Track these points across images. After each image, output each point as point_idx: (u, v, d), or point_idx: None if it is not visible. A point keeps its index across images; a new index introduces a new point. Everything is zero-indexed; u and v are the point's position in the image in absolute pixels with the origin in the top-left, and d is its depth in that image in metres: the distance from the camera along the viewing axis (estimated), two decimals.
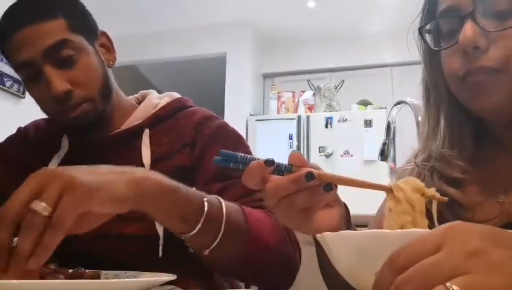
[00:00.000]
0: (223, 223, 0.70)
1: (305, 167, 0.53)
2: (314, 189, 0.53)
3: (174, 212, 0.66)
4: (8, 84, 3.33)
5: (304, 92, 4.61)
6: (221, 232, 0.69)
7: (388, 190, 0.52)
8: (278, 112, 4.59)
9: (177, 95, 1.05)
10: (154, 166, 0.89)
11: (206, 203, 0.68)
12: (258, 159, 0.54)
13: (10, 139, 1.05)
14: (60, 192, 0.53)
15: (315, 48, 4.89)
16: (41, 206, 0.51)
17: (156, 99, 1.02)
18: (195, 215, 0.67)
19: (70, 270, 0.63)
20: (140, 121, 0.96)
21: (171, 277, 0.59)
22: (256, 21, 4.70)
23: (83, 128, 0.94)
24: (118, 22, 4.66)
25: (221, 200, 0.73)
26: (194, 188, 0.71)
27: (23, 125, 1.08)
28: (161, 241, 0.84)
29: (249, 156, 0.55)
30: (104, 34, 1.01)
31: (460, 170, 0.68)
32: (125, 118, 0.98)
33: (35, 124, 1.07)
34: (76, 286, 0.52)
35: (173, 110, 0.99)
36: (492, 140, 0.70)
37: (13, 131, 1.08)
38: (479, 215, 0.66)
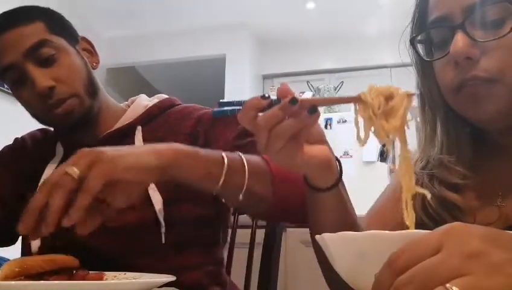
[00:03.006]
0: (246, 167, 0.73)
1: (291, 95, 0.56)
2: (300, 114, 0.56)
3: (198, 170, 0.69)
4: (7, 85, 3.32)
5: (303, 93, 4.60)
6: (246, 177, 0.73)
7: (357, 100, 0.54)
8: None
9: (166, 97, 1.07)
10: None
11: (224, 156, 0.71)
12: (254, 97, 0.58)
13: (8, 148, 1.07)
14: (90, 163, 0.59)
15: (314, 49, 4.88)
16: (73, 170, 0.58)
17: (145, 101, 1.04)
18: (218, 168, 0.70)
19: (74, 271, 0.63)
20: (131, 120, 0.98)
21: (170, 278, 0.59)
22: (255, 22, 4.70)
23: (72, 128, 0.95)
24: (117, 23, 4.66)
25: (238, 152, 0.76)
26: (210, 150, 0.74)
27: (20, 132, 1.10)
28: (163, 230, 0.86)
29: (243, 99, 0.58)
30: (85, 38, 1.03)
31: (460, 176, 0.68)
32: (115, 120, 0.99)
33: (32, 135, 1.09)
34: (76, 287, 0.52)
35: (164, 107, 1.01)
36: (489, 145, 0.70)
37: (12, 132, 1.09)
38: (479, 219, 0.66)
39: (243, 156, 0.75)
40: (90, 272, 0.64)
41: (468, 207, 0.67)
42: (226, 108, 0.58)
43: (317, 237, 0.48)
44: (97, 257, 0.73)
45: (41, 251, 0.89)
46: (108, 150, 0.62)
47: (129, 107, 1.07)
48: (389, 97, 0.53)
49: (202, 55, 4.83)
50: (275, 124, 0.55)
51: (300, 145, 0.59)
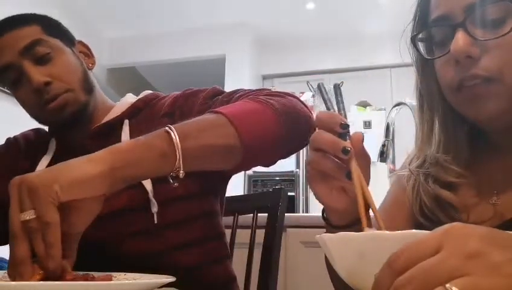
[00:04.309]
0: (196, 127, 0.71)
1: (356, 147, 0.57)
2: (341, 164, 0.57)
3: (148, 158, 0.65)
4: None
5: (303, 93, 4.60)
6: (202, 137, 0.70)
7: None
8: None
9: (151, 92, 1.10)
10: None
11: (168, 129, 0.68)
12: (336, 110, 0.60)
13: (0, 147, 1.08)
14: (30, 195, 0.56)
15: (314, 49, 4.89)
16: (29, 214, 0.56)
17: (131, 98, 1.07)
18: (168, 145, 0.66)
19: (81, 274, 0.63)
20: (119, 114, 1.00)
21: (170, 278, 0.59)
22: (255, 22, 4.70)
23: (66, 124, 0.96)
24: (117, 24, 4.67)
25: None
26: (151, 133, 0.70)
27: (20, 132, 1.11)
28: (154, 209, 0.87)
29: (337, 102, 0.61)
30: (81, 42, 1.06)
31: (455, 175, 0.68)
32: (105, 115, 1.02)
33: (25, 135, 1.11)
34: (75, 287, 0.52)
35: (148, 100, 1.03)
36: (487, 144, 0.70)
37: (12, 132, 1.09)
38: (473, 217, 0.66)
39: (188, 122, 0.72)
40: (94, 273, 0.64)
41: (463, 205, 0.67)
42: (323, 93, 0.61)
43: (317, 237, 0.48)
44: (92, 245, 0.74)
45: None
46: (36, 174, 0.59)
47: None
48: None
49: (202, 56, 4.83)
50: (318, 149, 0.57)
51: (336, 185, 0.59)
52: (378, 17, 4.35)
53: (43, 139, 1.05)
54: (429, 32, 0.69)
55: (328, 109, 0.60)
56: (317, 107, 4.39)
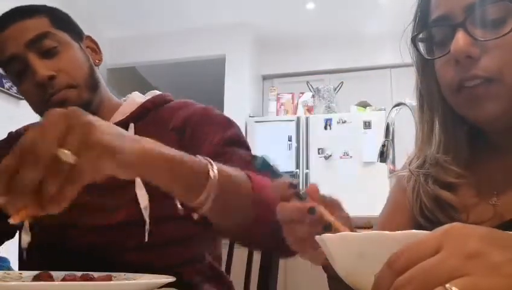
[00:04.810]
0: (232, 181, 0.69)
1: (316, 201, 0.55)
2: (315, 224, 0.54)
3: (180, 183, 0.62)
4: (7, 85, 3.32)
5: (303, 93, 4.61)
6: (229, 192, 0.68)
7: None
8: (277, 114, 4.60)
9: (159, 93, 1.07)
10: None
11: (211, 167, 0.65)
12: (285, 178, 0.57)
13: (1, 142, 1.06)
14: (81, 144, 0.50)
15: (314, 49, 4.89)
16: (68, 156, 0.49)
17: (138, 98, 1.04)
18: (201, 180, 0.64)
19: (80, 274, 0.63)
20: (124, 117, 0.97)
21: (170, 279, 0.59)
22: (255, 23, 4.70)
23: None
24: (117, 24, 4.67)
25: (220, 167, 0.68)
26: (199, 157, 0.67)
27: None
28: (147, 227, 0.85)
29: (282, 172, 0.58)
30: (89, 37, 1.04)
31: (455, 175, 0.68)
32: (111, 116, 0.99)
33: (27, 129, 1.07)
34: (74, 287, 0.52)
35: (156, 104, 1.01)
36: (487, 144, 0.70)
37: None
38: (473, 218, 0.66)
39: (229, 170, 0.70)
40: (94, 273, 0.64)
41: (463, 205, 0.67)
42: (266, 165, 0.59)
43: (316, 237, 0.48)
44: (88, 256, 0.73)
45: (31, 246, 0.89)
46: (100, 134, 0.52)
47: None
48: None
49: (202, 56, 4.83)
50: (289, 221, 0.55)
51: (313, 246, 0.55)
52: (378, 17, 4.35)
53: None
54: (429, 32, 0.69)
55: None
56: (316, 108, 4.39)
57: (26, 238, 0.89)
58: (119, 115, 0.98)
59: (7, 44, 0.91)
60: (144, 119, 0.98)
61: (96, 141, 0.51)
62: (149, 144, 0.60)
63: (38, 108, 0.95)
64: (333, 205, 0.57)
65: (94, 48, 1.03)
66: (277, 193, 0.56)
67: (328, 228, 0.54)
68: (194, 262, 0.93)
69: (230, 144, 0.91)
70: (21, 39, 0.90)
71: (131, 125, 0.96)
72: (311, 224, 0.55)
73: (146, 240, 0.84)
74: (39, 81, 0.89)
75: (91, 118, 0.53)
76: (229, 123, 0.97)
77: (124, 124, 0.96)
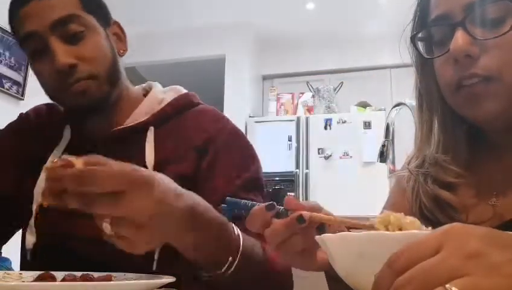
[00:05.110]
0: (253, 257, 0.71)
1: (299, 210, 0.53)
2: (308, 231, 0.54)
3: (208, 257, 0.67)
4: (7, 85, 3.32)
5: (302, 93, 4.61)
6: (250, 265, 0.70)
7: (369, 228, 0.51)
8: (277, 114, 4.60)
9: (183, 90, 1.01)
10: (156, 169, 0.84)
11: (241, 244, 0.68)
12: (259, 204, 0.56)
13: (11, 128, 1.01)
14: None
15: (314, 49, 4.89)
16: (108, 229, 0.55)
17: (160, 94, 0.97)
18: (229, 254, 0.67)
19: (80, 274, 0.63)
20: (145, 119, 0.91)
21: (170, 279, 0.59)
22: (255, 23, 4.70)
23: (86, 112, 0.89)
24: None
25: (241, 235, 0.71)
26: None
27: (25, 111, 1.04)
28: (156, 256, 0.80)
29: (251, 202, 0.57)
30: (117, 23, 0.97)
31: (454, 175, 0.68)
32: (130, 111, 0.93)
33: (37, 110, 1.02)
34: (74, 287, 0.52)
35: (180, 107, 0.94)
36: (486, 144, 0.70)
37: None
38: (472, 218, 0.66)
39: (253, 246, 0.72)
40: (94, 273, 0.64)
41: (462, 205, 0.67)
42: (232, 211, 0.58)
43: (316, 237, 0.48)
44: (92, 262, 0.72)
45: (36, 247, 0.86)
46: (162, 185, 0.56)
47: (146, 92, 1.00)
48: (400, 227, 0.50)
49: (202, 56, 4.83)
50: (281, 241, 0.54)
51: (312, 253, 0.56)
52: (378, 17, 4.35)
53: (57, 119, 0.96)
54: (429, 31, 0.69)
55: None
56: (316, 108, 4.39)
57: (32, 239, 0.86)
58: (139, 115, 0.92)
59: (29, 21, 0.83)
60: (164, 126, 0.91)
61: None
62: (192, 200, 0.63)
63: (52, 93, 0.88)
64: (314, 208, 0.55)
65: (120, 36, 0.96)
66: (258, 224, 0.55)
67: (322, 227, 0.54)
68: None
69: (249, 188, 0.87)
70: (45, 18, 0.82)
71: (151, 129, 0.90)
72: (304, 233, 0.54)
73: (154, 269, 0.80)
74: (59, 69, 0.82)
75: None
76: (253, 159, 0.93)
77: (143, 126, 0.90)
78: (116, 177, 0.51)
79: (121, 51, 0.94)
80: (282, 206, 0.55)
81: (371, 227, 0.50)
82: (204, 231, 0.63)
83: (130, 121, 0.91)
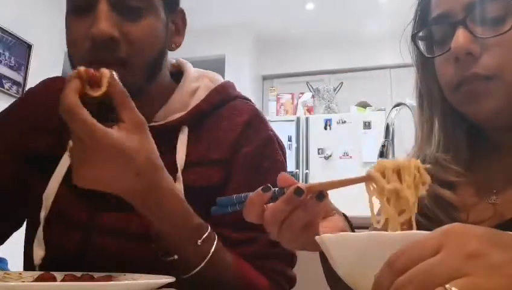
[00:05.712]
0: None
1: (294, 184, 0.53)
2: (308, 203, 0.53)
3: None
4: (6, 86, 3.32)
5: (302, 93, 4.61)
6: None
7: (367, 179, 0.51)
8: (277, 114, 4.60)
9: (217, 78, 0.92)
10: (186, 169, 0.78)
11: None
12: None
13: (16, 107, 0.93)
14: None
15: (314, 49, 4.89)
16: None
17: (193, 82, 0.87)
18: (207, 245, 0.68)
19: (80, 274, 0.63)
20: (178, 116, 0.81)
21: (170, 279, 0.59)
22: (255, 23, 4.71)
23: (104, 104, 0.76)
24: None
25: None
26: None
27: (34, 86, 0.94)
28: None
29: (243, 194, 0.55)
30: (182, 12, 0.87)
31: (455, 174, 0.68)
32: (160, 102, 0.82)
33: (47, 83, 0.91)
34: (74, 287, 0.52)
35: (217, 103, 0.85)
36: (487, 143, 0.70)
37: None
38: (473, 216, 0.66)
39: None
40: (94, 273, 0.64)
41: (462, 204, 0.67)
42: (226, 209, 0.57)
43: (316, 238, 0.48)
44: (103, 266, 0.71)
45: (45, 262, 0.77)
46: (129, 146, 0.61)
47: (176, 71, 0.92)
48: (397, 170, 0.50)
49: (202, 56, 4.83)
50: (283, 218, 0.53)
51: (314, 230, 0.55)
52: (378, 17, 4.35)
53: None
54: (429, 30, 0.69)
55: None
56: (316, 108, 4.39)
57: (40, 252, 0.77)
58: (171, 111, 0.82)
59: None
60: (198, 126, 0.83)
61: None
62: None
63: (75, 54, 0.74)
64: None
65: (179, 28, 0.86)
66: (256, 206, 0.54)
67: (321, 195, 0.53)
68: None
69: (243, 229, 0.78)
70: None
71: (185, 128, 0.81)
72: (304, 206, 0.53)
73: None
74: (94, 36, 0.69)
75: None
76: (273, 166, 0.84)
77: (177, 124, 0.81)
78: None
79: (173, 45, 0.84)
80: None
81: (369, 177, 0.50)
82: (157, 210, 0.65)
83: (161, 117, 0.81)
